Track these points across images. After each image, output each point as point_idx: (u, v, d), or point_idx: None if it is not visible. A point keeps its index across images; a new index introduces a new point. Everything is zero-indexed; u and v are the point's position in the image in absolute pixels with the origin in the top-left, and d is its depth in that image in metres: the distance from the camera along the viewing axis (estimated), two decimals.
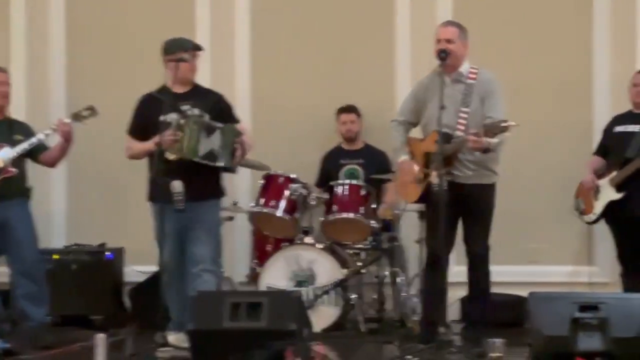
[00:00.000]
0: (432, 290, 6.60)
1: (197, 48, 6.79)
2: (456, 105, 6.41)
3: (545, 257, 7.93)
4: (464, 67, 6.55)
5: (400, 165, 6.69)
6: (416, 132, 6.81)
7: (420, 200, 6.63)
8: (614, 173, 7.05)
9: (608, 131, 7.30)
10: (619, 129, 7.20)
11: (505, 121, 6.08)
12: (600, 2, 7.97)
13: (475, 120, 6.38)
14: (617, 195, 7.01)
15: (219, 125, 6.52)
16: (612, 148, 7.19)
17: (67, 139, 6.85)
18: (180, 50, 6.63)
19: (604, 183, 7.10)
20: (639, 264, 7.08)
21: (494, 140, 6.16)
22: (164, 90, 6.63)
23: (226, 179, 6.87)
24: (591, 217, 7.22)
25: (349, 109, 8.01)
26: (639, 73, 7.24)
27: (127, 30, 8.35)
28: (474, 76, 6.52)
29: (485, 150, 6.26)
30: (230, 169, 6.67)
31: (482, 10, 8.07)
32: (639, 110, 7.16)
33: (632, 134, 7.05)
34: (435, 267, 6.49)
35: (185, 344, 6.09)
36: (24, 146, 6.81)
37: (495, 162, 6.54)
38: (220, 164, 6.51)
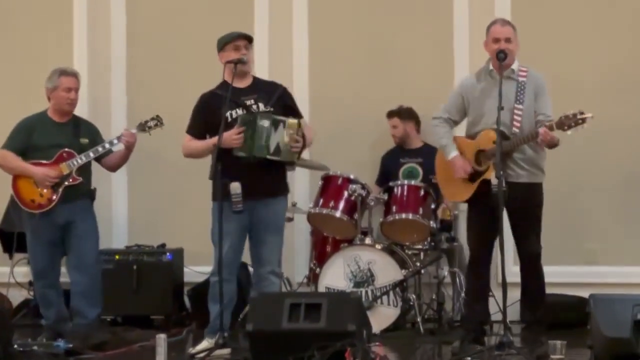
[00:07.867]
0: (476, 289, 6.62)
1: (249, 39, 6.60)
2: (510, 103, 6.35)
3: (604, 257, 7.84)
4: (515, 65, 6.52)
5: (453, 161, 6.58)
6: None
7: (471, 198, 6.55)
8: None
9: None
10: None
11: (582, 112, 6.05)
12: None
13: (528, 117, 6.38)
14: None
15: (283, 119, 6.39)
16: None
17: (129, 148, 6.91)
18: (233, 41, 6.49)
19: None
20: None
21: (569, 132, 6.09)
22: (224, 86, 6.50)
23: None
24: None
25: (391, 113, 7.96)
26: None
27: (185, 32, 8.41)
28: (524, 74, 6.49)
29: (553, 145, 6.23)
30: (290, 163, 6.57)
31: (541, 2, 8.00)
32: None
33: None
34: (478, 266, 6.53)
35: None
36: (89, 155, 6.87)
37: (544, 160, 6.51)
38: (283, 158, 6.40)
